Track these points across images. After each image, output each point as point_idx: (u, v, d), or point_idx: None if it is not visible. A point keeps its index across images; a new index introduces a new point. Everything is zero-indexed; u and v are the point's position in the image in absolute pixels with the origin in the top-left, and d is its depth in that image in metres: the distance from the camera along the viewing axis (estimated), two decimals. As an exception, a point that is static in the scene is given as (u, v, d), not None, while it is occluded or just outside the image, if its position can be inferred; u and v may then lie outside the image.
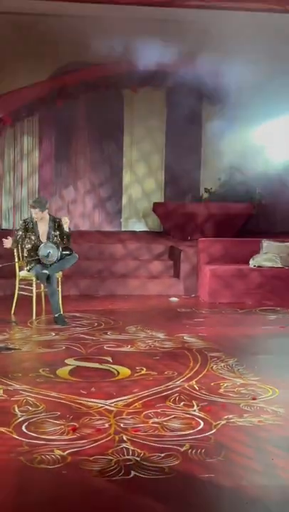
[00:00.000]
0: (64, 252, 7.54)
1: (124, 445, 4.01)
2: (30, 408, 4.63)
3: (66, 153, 12.30)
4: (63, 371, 5.56)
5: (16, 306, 7.74)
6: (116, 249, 10.34)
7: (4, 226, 11.60)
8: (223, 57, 9.40)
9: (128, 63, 10.83)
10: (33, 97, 10.55)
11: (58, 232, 7.56)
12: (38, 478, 3.62)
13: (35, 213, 7.52)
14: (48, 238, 7.56)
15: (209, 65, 10.00)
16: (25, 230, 7.59)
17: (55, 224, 7.61)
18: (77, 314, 7.87)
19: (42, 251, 7.44)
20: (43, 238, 7.57)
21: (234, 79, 9.73)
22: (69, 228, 7.58)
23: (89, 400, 4.83)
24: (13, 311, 7.72)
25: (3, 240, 7.41)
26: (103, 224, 12.61)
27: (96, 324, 7.40)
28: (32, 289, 7.60)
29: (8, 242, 7.41)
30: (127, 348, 6.37)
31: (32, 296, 7.58)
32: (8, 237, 7.42)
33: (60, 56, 11.10)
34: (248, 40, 9.11)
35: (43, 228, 7.60)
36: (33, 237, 7.57)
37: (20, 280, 7.79)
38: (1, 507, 3.28)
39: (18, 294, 7.77)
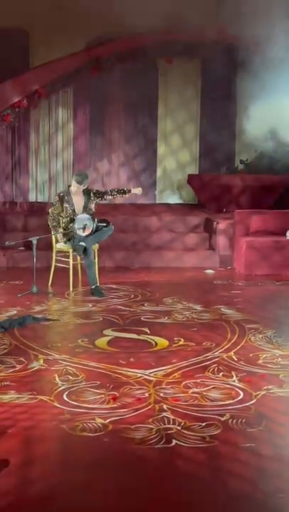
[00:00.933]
0: (100, 224, 7.55)
1: (164, 414, 4.03)
2: (71, 377, 4.68)
3: (100, 126, 12.25)
4: (102, 341, 5.60)
5: (53, 277, 7.81)
6: (151, 222, 10.32)
7: (40, 199, 11.62)
8: (259, 23, 9.21)
9: (163, 33, 10.67)
10: (68, 68, 10.45)
11: (97, 199, 7.58)
12: (81, 445, 3.67)
13: (77, 187, 7.53)
14: (85, 209, 7.57)
15: (245, 32, 9.80)
16: (61, 202, 7.61)
17: (90, 194, 7.62)
18: (114, 286, 7.90)
19: (78, 223, 7.46)
20: (79, 210, 7.59)
21: (271, 45, 9.54)
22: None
23: (128, 369, 4.86)
24: (50, 283, 7.79)
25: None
26: (138, 197, 12.51)
27: (132, 296, 7.42)
28: (68, 261, 7.65)
29: (60, 237, 7.59)
30: (164, 320, 6.39)
31: (69, 268, 7.63)
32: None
33: (95, 27, 10.98)
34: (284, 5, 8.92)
35: (78, 200, 7.61)
36: (69, 210, 7.59)
37: (57, 252, 7.84)
38: (44, 474, 3.33)
39: (54, 266, 7.83)
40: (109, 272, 8.71)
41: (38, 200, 11.49)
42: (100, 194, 7.70)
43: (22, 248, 9.11)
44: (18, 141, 11.16)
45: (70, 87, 11.19)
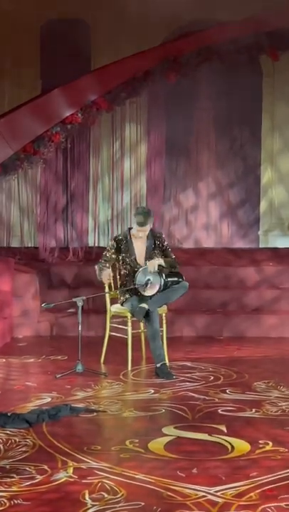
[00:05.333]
0: (169, 279, 7.47)
1: None
2: (106, 495, 4.57)
3: (183, 146, 12.35)
4: (158, 444, 5.46)
5: (106, 351, 7.79)
6: (248, 274, 10.21)
7: (102, 243, 11.70)
8: None
9: (266, 20, 10.68)
10: (137, 71, 10.56)
11: (158, 251, 7.54)
12: None
13: (141, 230, 7.53)
14: (147, 259, 7.55)
15: None
16: (117, 251, 7.61)
17: (155, 241, 7.59)
18: (189, 364, 7.83)
19: (139, 278, 7.43)
20: (141, 260, 7.58)
21: None
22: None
23: (187, 485, 4.71)
24: (102, 359, 7.78)
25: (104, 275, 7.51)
26: (234, 239, 12.54)
27: (212, 378, 7.29)
28: (127, 330, 7.62)
29: (105, 276, 7.49)
30: (251, 413, 6.21)
31: (127, 339, 7.60)
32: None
33: (174, 16, 11.14)
34: None
35: (140, 247, 7.61)
36: (127, 260, 7.59)
37: (112, 317, 7.83)
38: None
39: (108, 335, 7.82)
40: (187, 344, 8.68)
41: (99, 245, 11.58)
42: (163, 251, 7.64)
43: (71, 311, 9.17)
44: (73, 169, 11.36)
45: (142, 96, 11.32)
